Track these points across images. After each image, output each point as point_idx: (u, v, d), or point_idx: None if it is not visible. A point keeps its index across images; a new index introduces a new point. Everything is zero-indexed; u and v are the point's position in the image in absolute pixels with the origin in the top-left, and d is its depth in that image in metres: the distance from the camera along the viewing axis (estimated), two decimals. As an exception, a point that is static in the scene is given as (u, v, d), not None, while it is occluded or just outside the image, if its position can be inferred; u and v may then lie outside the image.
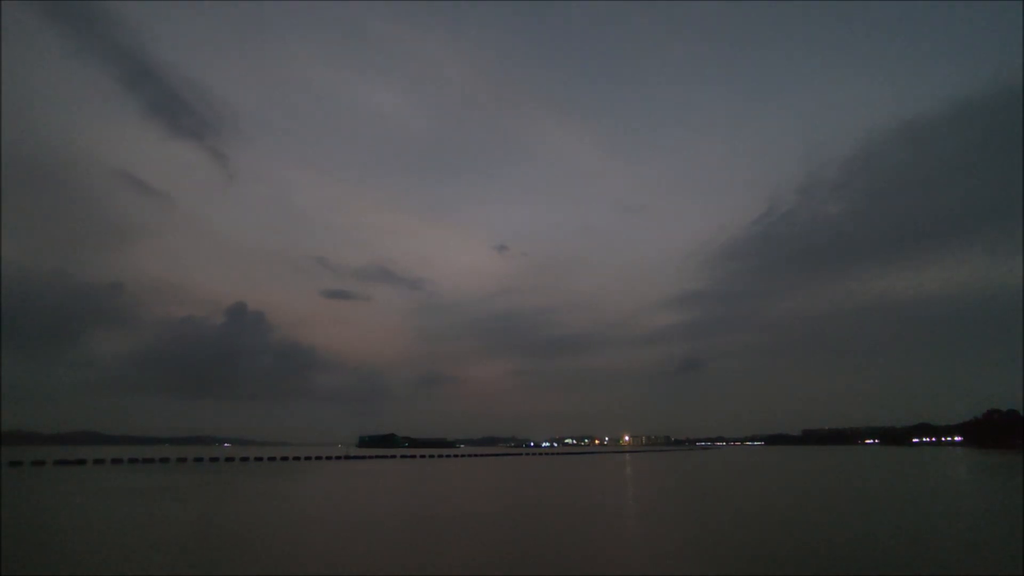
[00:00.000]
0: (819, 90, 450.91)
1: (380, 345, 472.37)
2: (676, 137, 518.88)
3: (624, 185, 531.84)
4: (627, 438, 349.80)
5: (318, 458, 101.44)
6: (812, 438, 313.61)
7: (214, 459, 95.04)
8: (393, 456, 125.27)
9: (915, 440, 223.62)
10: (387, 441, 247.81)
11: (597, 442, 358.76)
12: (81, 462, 77.60)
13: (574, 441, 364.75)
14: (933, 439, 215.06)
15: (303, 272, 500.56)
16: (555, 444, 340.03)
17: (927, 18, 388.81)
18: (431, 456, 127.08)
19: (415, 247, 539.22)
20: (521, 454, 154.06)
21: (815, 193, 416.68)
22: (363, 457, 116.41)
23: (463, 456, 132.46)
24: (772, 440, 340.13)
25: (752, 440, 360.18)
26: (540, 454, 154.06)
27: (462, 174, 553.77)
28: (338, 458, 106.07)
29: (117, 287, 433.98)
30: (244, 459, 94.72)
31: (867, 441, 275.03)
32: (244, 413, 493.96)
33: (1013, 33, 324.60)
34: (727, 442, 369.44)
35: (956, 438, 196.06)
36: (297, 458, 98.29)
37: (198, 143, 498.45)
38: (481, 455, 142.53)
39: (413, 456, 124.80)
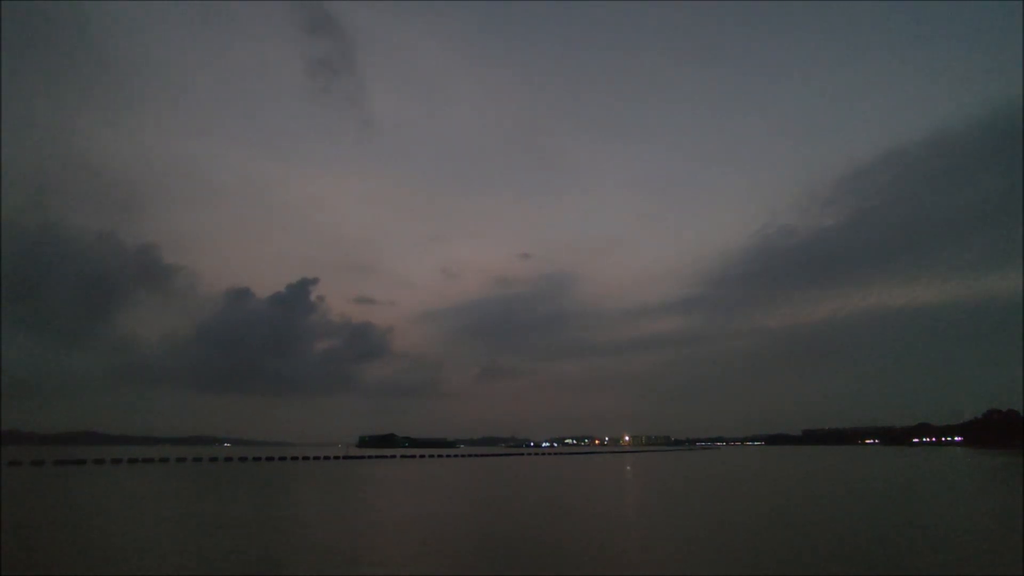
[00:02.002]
0: (811, 117, 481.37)
1: (402, 346, 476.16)
2: (683, 155, 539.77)
3: (634, 197, 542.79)
4: (627, 438, 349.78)
5: (316, 458, 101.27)
6: (812, 438, 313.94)
7: (213, 459, 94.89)
8: (394, 456, 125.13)
9: (915, 440, 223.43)
10: (387, 441, 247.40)
11: (597, 442, 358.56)
12: (81, 462, 77.51)
13: (574, 441, 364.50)
14: (933, 439, 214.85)
15: (337, 272, 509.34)
16: (555, 444, 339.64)
17: (908, 57, 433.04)
18: (435, 456, 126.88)
19: (445, 254, 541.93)
20: (522, 454, 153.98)
21: (809, 208, 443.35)
22: (366, 457, 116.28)
23: (465, 456, 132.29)
24: (772, 440, 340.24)
25: (752, 440, 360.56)
26: (541, 454, 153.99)
27: (502, 186, 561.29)
28: (338, 458, 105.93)
29: (179, 269, 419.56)
30: (243, 459, 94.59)
31: (867, 441, 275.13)
32: (245, 411, 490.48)
33: (985, 70, 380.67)
34: (727, 442, 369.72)
35: (956, 438, 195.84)
36: (296, 458, 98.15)
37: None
38: (483, 455, 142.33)
39: (414, 456, 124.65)
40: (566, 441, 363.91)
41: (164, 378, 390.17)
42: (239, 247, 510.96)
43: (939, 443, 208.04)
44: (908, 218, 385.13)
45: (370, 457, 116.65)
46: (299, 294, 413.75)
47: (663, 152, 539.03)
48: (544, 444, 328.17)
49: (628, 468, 70.33)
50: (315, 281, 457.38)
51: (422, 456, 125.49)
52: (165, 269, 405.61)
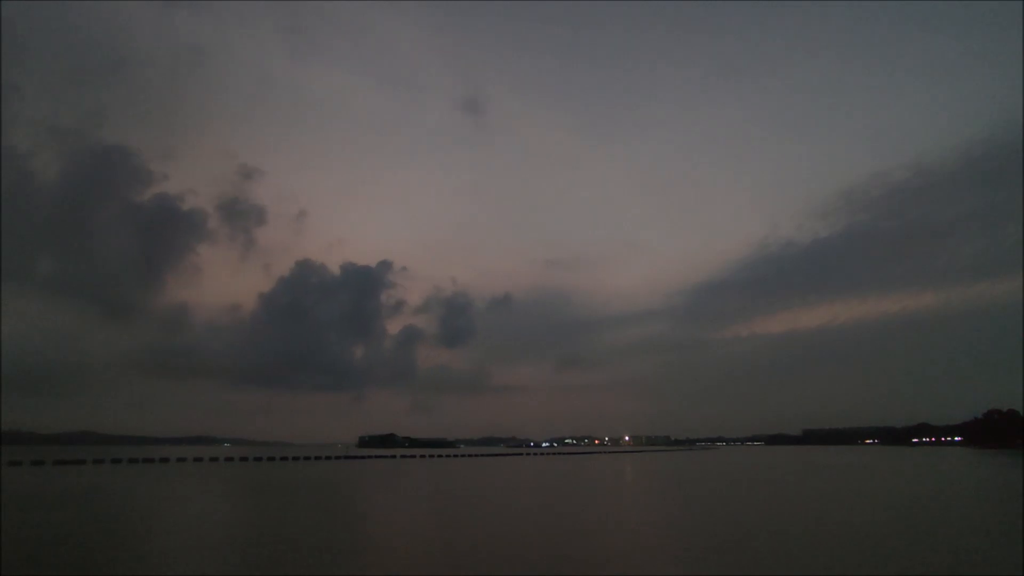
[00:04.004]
0: (806, 137, 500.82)
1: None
2: (692, 171, 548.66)
3: (638, 204, 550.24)
4: (627, 438, 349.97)
5: (318, 458, 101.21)
6: (812, 438, 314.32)
7: (214, 459, 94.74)
8: (393, 456, 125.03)
9: (915, 440, 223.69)
10: (387, 441, 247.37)
11: (597, 442, 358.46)
12: (80, 462, 77.41)
13: (574, 441, 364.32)
14: (933, 439, 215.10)
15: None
16: (554, 444, 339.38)
17: (892, 93, 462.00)
18: (438, 456, 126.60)
19: (481, 263, 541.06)
20: (522, 454, 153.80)
21: (806, 221, 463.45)
22: (366, 457, 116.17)
23: (467, 456, 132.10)
24: (772, 440, 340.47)
25: (752, 440, 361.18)
26: (542, 454, 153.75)
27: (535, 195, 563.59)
28: (339, 458, 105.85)
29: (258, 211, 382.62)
30: (244, 459, 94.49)
31: (867, 441, 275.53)
32: (245, 409, 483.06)
33: (963, 107, 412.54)
34: (727, 442, 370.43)
35: (956, 438, 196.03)
36: (297, 458, 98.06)
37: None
38: (487, 455, 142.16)
39: (413, 456, 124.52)
40: (566, 441, 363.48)
41: (196, 372, 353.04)
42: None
43: (939, 443, 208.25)
44: (899, 230, 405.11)
45: (372, 457, 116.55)
46: (373, 277, 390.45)
47: (673, 162, 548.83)
48: (544, 444, 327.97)
49: (657, 468, 70.26)
50: (403, 270, 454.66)
51: (422, 456, 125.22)
52: (254, 209, 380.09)
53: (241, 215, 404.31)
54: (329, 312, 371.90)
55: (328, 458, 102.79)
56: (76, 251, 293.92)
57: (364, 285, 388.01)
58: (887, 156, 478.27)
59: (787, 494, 34.07)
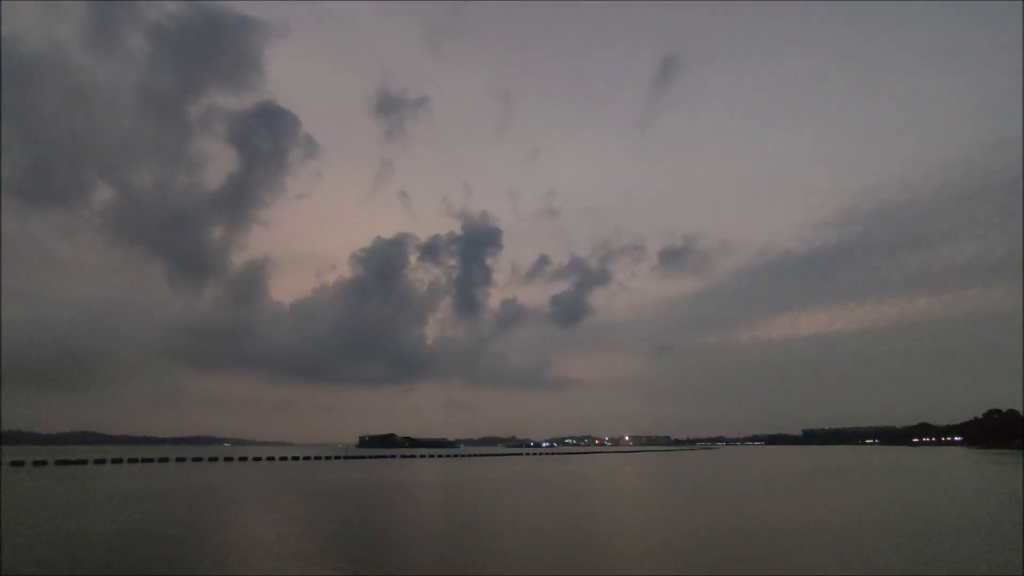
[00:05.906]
0: (799, 157, 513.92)
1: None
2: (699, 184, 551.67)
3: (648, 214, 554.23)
4: (627, 438, 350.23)
5: (317, 458, 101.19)
6: (812, 438, 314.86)
7: (213, 459, 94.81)
8: (393, 456, 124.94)
9: (915, 440, 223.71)
10: (387, 441, 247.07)
11: (597, 442, 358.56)
12: (82, 462, 77.51)
13: (574, 441, 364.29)
14: (933, 439, 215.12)
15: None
16: (554, 444, 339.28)
17: (878, 114, 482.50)
18: (440, 456, 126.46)
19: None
20: (522, 454, 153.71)
21: (802, 231, 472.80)
22: (366, 457, 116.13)
23: (466, 456, 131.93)
24: (772, 440, 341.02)
25: (752, 440, 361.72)
26: (543, 454, 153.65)
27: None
28: (338, 458, 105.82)
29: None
30: (243, 459, 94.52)
31: (867, 441, 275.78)
32: (264, 408, 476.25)
33: (944, 128, 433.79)
34: (727, 442, 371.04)
35: (956, 438, 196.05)
36: (296, 458, 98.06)
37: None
38: (490, 455, 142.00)
39: (413, 456, 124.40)
40: (566, 441, 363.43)
41: (232, 363, 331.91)
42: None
43: (939, 443, 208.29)
44: (891, 241, 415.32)
45: (372, 457, 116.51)
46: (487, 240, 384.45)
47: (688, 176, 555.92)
48: (544, 444, 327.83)
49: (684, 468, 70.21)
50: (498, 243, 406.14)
51: (422, 456, 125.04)
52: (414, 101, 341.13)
53: (399, 106, 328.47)
54: (416, 286, 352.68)
55: (329, 458, 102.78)
56: (152, 170, 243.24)
57: (474, 250, 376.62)
58: (876, 173, 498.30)
59: (785, 495, 34.10)
